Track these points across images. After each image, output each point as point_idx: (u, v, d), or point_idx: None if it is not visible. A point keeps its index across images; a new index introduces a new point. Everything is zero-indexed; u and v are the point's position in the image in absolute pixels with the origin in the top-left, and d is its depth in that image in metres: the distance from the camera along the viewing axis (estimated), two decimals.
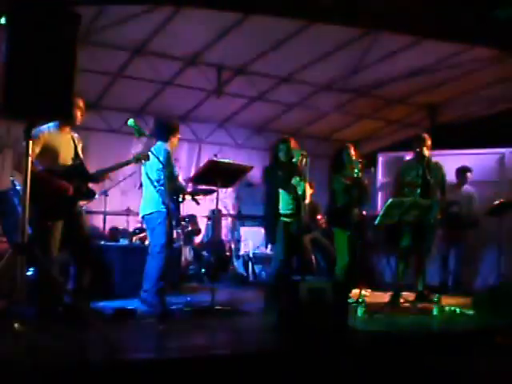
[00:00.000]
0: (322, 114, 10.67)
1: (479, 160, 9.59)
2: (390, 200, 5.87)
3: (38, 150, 4.84)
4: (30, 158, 3.62)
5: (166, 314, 5.12)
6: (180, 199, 5.68)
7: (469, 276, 8.88)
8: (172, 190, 5.62)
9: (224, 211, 10.22)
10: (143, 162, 5.52)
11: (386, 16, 6.50)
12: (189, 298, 6.63)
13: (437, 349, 4.66)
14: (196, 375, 3.58)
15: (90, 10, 6.84)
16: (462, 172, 8.81)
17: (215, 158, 5.35)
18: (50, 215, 4.82)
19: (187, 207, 7.91)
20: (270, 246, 9.48)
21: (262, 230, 10.13)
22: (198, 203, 5.74)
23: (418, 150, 6.87)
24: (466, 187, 8.82)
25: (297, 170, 5.97)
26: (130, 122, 5.14)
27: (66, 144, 5.09)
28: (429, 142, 6.93)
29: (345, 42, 8.03)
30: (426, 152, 6.85)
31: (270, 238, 6.31)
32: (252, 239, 9.76)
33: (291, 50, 8.19)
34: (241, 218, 10.08)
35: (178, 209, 5.80)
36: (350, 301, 5.84)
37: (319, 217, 8.77)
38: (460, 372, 4.21)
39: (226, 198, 10.66)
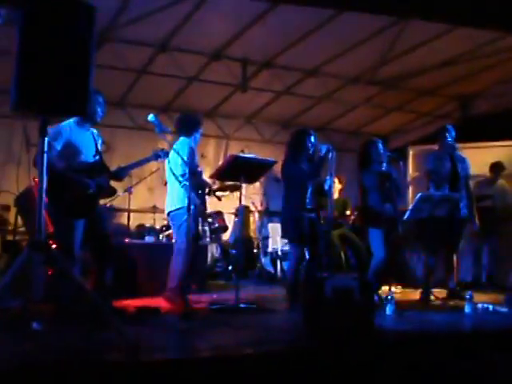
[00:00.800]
0: (350, 107, 10.48)
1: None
2: (420, 194, 5.68)
3: (59, 146, 4.79)
4: (45, 155, 3.54)
5: (189, 313, 5.01)
6: (205, 195, 5.59)
7: (503, 272, 8.60)
8: (197, 186, 5.52)
9: (252, 207, 10.11)
10: (162, 158, 5.45)
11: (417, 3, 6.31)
12: (215, 296, 6.54)
13: (468, 349, 4.48)
14: (218, 374, 3.48)
15: (114, 4, 6.82)
16: (496, 167, 8.57)
17: (237, 153, 5.22)
18: (71, 213, 4.77)
19: (214, 204, 7.84)
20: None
21: None
22: (219, 199, 5.65)
23: (443, 141, 6.63)
24: (500, 181, 8.57)
25: (323, 164, 5.80)
26: (151, 117, 5.06)
27: (87, 141, 5.04)
28: (453, 134, 6.68)
29: (372, 33, 7.85)
30: (452, 143, 6.61)
31: (291, 236, 6.09)
32: (280, 236, 9.62)
33: (317, 42, 8.05)
34: (268, 215, 9.93)
35: (203, 204, 5.70)
36: (379, 298, 5.71)
37: (348, 212, 8.59)
38: (492, 373, 4.02)
39: (253, 194, 10.56)
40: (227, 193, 8.22)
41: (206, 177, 6.18)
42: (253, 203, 10.18)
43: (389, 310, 5.39)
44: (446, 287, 6.72)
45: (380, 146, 6.27)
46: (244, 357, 3.72)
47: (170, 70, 8.43)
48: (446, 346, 4.41)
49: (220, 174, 5.37)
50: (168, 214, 5.85)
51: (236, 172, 5.32)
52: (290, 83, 9.36)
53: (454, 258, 6.71)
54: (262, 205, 10.58)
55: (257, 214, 10.27)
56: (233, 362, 3.63)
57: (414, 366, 4.04)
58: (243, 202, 9.81)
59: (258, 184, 10.76)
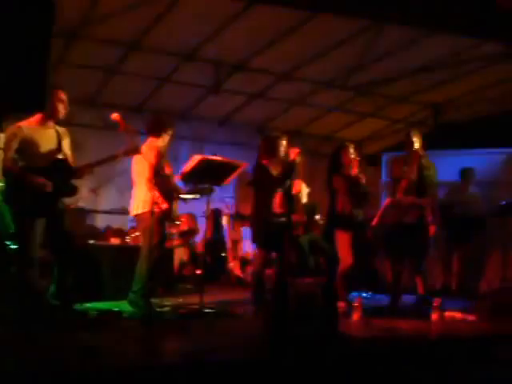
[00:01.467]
0: (324, 112, 10.45)
1: (485, 160, 9.37)
2: (388, 200, 5.64)
3: (15, 145, 4.66)
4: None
5: (151, 317, 4.90)
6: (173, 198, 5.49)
7: (473, 279, 8.61)
8: (164, 189, 5.41)
9: (225, 210, 10.01)
10: (132, 156, 5.32)
11: (391, 7, 6.30)
12: (181, 300, 6.43)
13: (434, 357, 4.44)
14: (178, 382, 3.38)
15: (84, 1, 6.70)
16: (466, 173, 8.55)
17: (203, 155, 5.12)
18: (28, 213, 4.63)
19: (184, 206, 7.74)
20: None
21: None
22: (185, 202, 5.53)
23: (410, 147, 6.56)
24: (472, 188, 8.57)
25: (292, 168, 5.73)
26: (115, 116, 4.92)
27: (48, 139, 4.89)
28: (420, 139, 6.61)
29: (347, 37, 7.82)
30: (419, 149, 6.55)
31: (260, 241, 6.01)
32: (249, 239, 9.54)
33: (291, 46, 7.98)
34: (239, 218, 9.84)
35: (171, 208, 5.60)
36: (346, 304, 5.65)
37: (318, 217, 8.53)
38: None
39: (227, 198, 10.47)
40: (198, 196, 8.09)
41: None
42: (227, 206, 10.08)
43: (356, 316, 5.33)
44: (415, 294, 6.65)
45: (351, 150, 6.22)
46: (204, 364, 3.63)
47: (142, 70, 8.33)
48: (412, 354, 4.36)
49: (186, 176, 5.26)
50: (134, 216, 5.72)
51: (203, 174, 5.22)
52: (263, 86, 9.29)
53: (423, 265, 6.66)
54: (233, 208, 10.48)
55: (227, 218, 10.17)
56: (192, 369, 3.53)
57: (378, 374, 3.99)
58: (215, 205, 9.85)
59: (229, 187, 10.71)
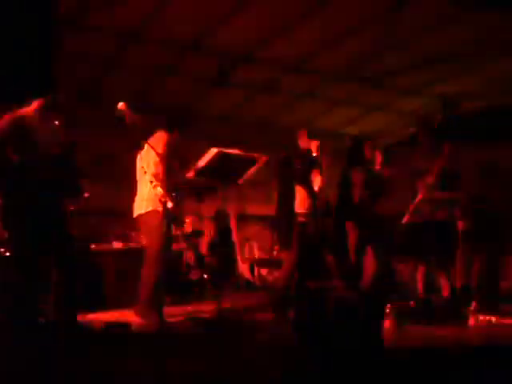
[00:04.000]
0: (331, 106, 9.97)
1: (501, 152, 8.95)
2: (420, 195, 5.18)
3: (15, 137, 4.14)
4: None
5: (163, 329, 4.39)
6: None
7: (494, 278, 8.15)
8: (172, 187, 4.92)
9: (228, 211, 9.54)
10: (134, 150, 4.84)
11: None
12: (190, 308, 5.94)
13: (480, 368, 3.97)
14: None
15: None
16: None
17: (220, 148, 4.61)
18: (27, 215, 4.11)
19: (188, 207, 7.28)
20: (276, 249, 8.84)
21: (268, 231, 9.63)
22: (201, 201, 5.04)
23: (425, 138, 6.16)
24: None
25: (316, 163, 5.27)
26: (121, 105, 4.41)
27: (49, 132, 4.38)
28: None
29: (357, 28, 7.41)
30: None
31: (283, 242, 5.57)
32: (257, 241, 9.10)
33: (298, 37, 7.53)
34: (245, 219, 9.37)
35: (178, 207, 5.11)
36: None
37: None
38: None
39: (229, 197, 10.00)
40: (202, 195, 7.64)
41: None
42: (229, 206, 9.62)
43: (387, 323, 4.85)
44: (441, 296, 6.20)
45: (372, 144, 5.81)
46: None
47: (141, 61, 7.84)
48: (456, 363, 3.89)
49: (199, 173, 4.75)
50: (137, 217, 5.22)
51: (219, 169, 4.71)
52: (269, 79, 8.80)
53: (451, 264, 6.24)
54: (238, 208, 10.01)
55: (233, 218, 9.70)
56: None
57: None
58: (221, 206, 9.40)
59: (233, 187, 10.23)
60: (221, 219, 9.14)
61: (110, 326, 4.49)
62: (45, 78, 3.15)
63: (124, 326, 4.57)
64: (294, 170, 5.29)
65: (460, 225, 6.02)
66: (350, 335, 3.50)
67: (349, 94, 9.52)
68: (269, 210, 9.74)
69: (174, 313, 5.43)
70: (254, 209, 9.74)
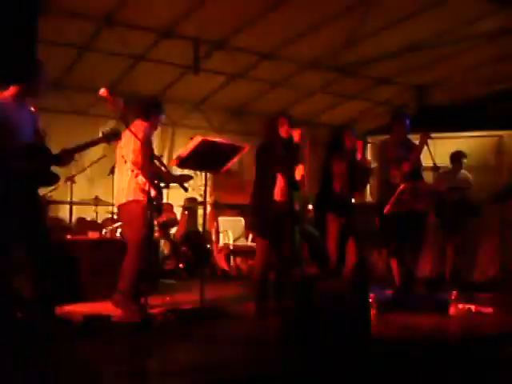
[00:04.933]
0: (306, 94, 9.91)
1: (472, 143, 9.05)
2: (403, 185, 5.17)
3: None
4: None
5: (146, 321, 4.30)
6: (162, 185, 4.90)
7: (466, 268, 8.27)
8: (153, 175, 4.82)
9: (200, 200, 9.42)
10: (113, 140, 4.68)
11: None
12: (168, 298, 5.84)
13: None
14: None
15: None
16: (457, 157, 8.15)
17: (204, 136, 4.52)
18: (4, 204, 3.95)
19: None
20: (250, 237, 8.77)
21: (242, 220, 9.55)
22: (186, 190, 4.94)
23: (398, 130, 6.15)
24: (463, 172, 8.19)
25: (297, 151, 5.20)
26: (103, 91, 4.28)
27: (25, 119, 4.23)
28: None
29: (333, 16, 7.35)
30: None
31: (259, 229, 5.48)
32: (231, 230, 9.02)
33: (275, 23, 7.42)
34: (218, 207, 9.28)
35: (160, 197, 5.01)
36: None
37: (310, 206, 8.03)
38: None
39: (201, 186, 9.89)
40: (175, 184, 7.51)
41: None
42: (201, 195, 9.51)
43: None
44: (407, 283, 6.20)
45: (354, 133, 5.76)
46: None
47: (115, 47, 7.62)
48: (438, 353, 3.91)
49: (183, 161, 4.66)
50: (118, 207, 5.10)
51: (202, 158, 4.63)
52: (244, 66, 8.71)
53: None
54: (210, 197, 9.91)
55: (206, 207, 9.58)
56: None
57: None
58: (190, 195, 9.26)
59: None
60: (193, 208, 9.05)
61: (90, 319, 4.37)
62: (23, 62, 2.98)
63: (104, 318, 4.46)
64: (273, 157, 5.21)
65: (434, 215, 6.06)
66: (338, 324, 3.47)
67: (323, 83, 9.46)
68: (242, 198, 9.71)
69: (152, 303, 5.31)
70: (228, 197, 9.65)
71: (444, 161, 8.23)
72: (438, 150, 8.11)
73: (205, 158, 4.62)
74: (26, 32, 2.91)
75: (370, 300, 4.86)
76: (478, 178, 8.33)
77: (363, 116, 10.79)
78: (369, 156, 9.40)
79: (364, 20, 7.43)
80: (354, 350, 3.36)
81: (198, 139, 4.47)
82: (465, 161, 8.11)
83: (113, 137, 4.61)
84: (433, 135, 8.10)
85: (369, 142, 9.35)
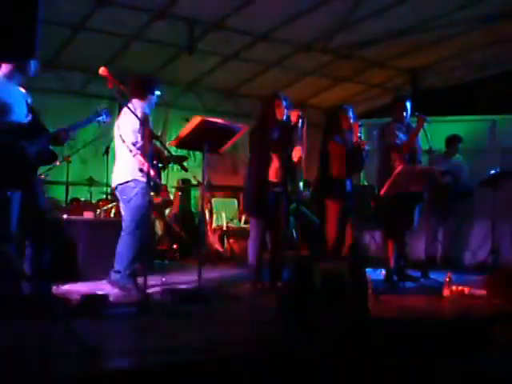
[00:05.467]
0: (299, 76, 9.90)
1: (467, 127, 9.08)
2: (400, 167, 5.20)
3: None
4: None
5: (145, 302, 4.32)
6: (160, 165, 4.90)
7: (457, 250, 8.36)
8: (151, 154, 4.82)
9: (193, 181, 9.42)
10: (105, 119, 4.67)
11: None
12: (163, 279, 5.85)
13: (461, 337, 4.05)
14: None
15: None
16: (453, 141, 8.18)
17: (203, 117, 4.51)
18: (6, 183, 3.95)
19: None
20: (243, 219, 8.79)
21: (235, 202, 9.57)
22: (186, 170, 4.95)
23: (400, 113, 6.15)
24: (457, 156, 8.24)
25: (293, 132, 5.20)
26: (102, 70, 4.25)
27: (18, 97, 4.21)
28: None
29: None
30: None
31: (253, 211, 5.50)
32: (225, 211, 9.04)
33: (270, 4, 7.43)
34: (212, 189, 9.28)
35: (159, 176, 5.01)
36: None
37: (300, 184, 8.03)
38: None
39: (194, 167, 9.88)
40: (170, 164, 7.50)
41: None
42: (194, 176, 9.51)
43: None
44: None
45: (351, 113, 5.74)
46: (214, 361, 3.09)
47: (109, 26, 7.58)
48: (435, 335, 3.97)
49: (182, 141, 4.66)
50: (116, 187, 5.10)
51: (200, 139, 4.62)
52: (238, 47, 8.68)
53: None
54: (204, 178, 9.89)
55: (199, 188, 9.59)
56: (200, 367, 2.98)
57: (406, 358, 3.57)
58: (184, 176, 9.26)
59: (198, 156, 10.10)
60: (186, 189, 9.05)
61: (88, 298, 4.38)
62: (18, 40, 2.93)
63: (102, 297, 4.47)
64: (268, 139, 5.21)
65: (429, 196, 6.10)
66: (338, 305, 3.51)
67: (317, 65, 9.45)
68: (235, 180, 9.72)
69: (149, 284, 5.33)
70: (221, 178, 9.65)
71: (438, 145, 8.29)
72: (433, 134, 8.19)
73: (203, 139, 4.62)
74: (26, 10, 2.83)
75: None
76: (471, 162, 8.37)
77: (355, 98, 10.78)
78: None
79: (355, 5, 7.46)
80: (352, 328, 3.41)
81: (197, 119, 4.47)
82: (460, 145, 8.15)
83: (105, 116, 4.63)
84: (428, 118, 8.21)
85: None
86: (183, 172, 5.45)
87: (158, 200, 7.61)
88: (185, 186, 9.22)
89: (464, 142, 8.25)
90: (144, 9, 7.42)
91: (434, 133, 8.33)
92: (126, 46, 8.28)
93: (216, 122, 4.65)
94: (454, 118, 9.20)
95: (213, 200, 9.21)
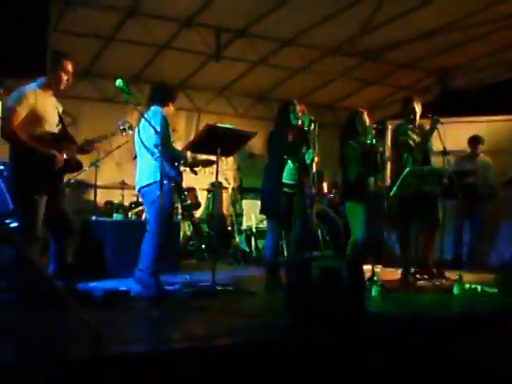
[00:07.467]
0: (327, 80, 10.08)
1: (494, 128, 9.06)
2: (408, 168, 5.34)
3: (24, 112, 4.32)
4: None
5: (162, 297, 4.61)
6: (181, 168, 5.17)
7: (484, 251, 8.38)
8: (172, 158, 5.08)
9: (225, 184, 9.72)
10: (126, 132, 5.00)
11: None
12: (188, 277, 6.13)
13: (462, 333, 4.20)
14: (194, 368, 3.11)
15: None
16: (474, 141, 8.24)
17: (214, 123, 4.78)
18: (36, 188, 4.31)
19: (185, 179, 7.42)
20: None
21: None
22: (195, 173, 5.22)
23: (411, 113, 6.26)
24: (481, 156, 8.29)
25: (307, 137, 5.43)
26: (119, 82, 4.57)
27: (52, 108, 4.56)
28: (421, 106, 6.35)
29: (352, 2, 7.47)
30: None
31: (269, 212, 5.75)
32: (254, 213, 9.28)
33: (295, 10, 7.61)
34: (242, 191, 9.54)
35: (180, 178, 5.26)
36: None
37: (324, 185, 8.23)
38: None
39: (226, 170, 10.19)
40: (199, 168, 7.78)
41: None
42: (226, 179, 9.81)
43: (374, 291, 5.08)
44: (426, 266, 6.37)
45: (366, 117, 5.91)
46: (222, 348, 3.36)
47: (139, 37, 7.94)
48: (439, 330, 4.12)
49: (195, 146, 4.93)
50: (139, 189, 5.40)
51: (212, 143, 4.89)
52: (265, 53, 8.93)
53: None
54: (235, 181, 10.21)
55: (230, 191, 9.89)
56: (209, 354, 3.26)
57: (407, 352, 3.74)
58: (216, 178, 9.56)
59: (230, 160, 10.40)
60: (216, 191, 9.31)
61: (110, 293, 4.69)
62: (44, 53, 3.24)
63: (123, 292, 4.79)
64: (282, 142, 5.46)
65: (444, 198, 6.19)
66: (334, 302, 3.72)
67: (344, 69, 9.61)
68: None
69: (173, 282, 5.63)
70: (251, 181, 9.90)
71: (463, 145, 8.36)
72: (458, 134, 8.25)
73: (215, 144, 4.87)
74: (40, 20, 3.12)
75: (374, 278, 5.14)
76: (495, 163, 8.40)
77: (384, 101, 10.90)
78: (389, 141, 9.55)
79: (380, 7, 7.58)
80: (346, 323, 3.61)
81: (208, 126, 4.73)
82: (480, 146, 8.21)
83: (126, 129, 4.97)
84: (455, 119, 8.27)
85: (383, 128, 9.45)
86: (214, 175, 5.66)
87: (186, 202, 7.91)
88: (216, 189, 9.49)
89: (488, 142, 8.30)
90: (171, 19, 7.74)
91: (463, 133, 8.47)
92: (156, 54, 8.62)
93: (226, 128, 4.90)
94: (481, 118, 9.20)
95: (243, 202, 9.47)
